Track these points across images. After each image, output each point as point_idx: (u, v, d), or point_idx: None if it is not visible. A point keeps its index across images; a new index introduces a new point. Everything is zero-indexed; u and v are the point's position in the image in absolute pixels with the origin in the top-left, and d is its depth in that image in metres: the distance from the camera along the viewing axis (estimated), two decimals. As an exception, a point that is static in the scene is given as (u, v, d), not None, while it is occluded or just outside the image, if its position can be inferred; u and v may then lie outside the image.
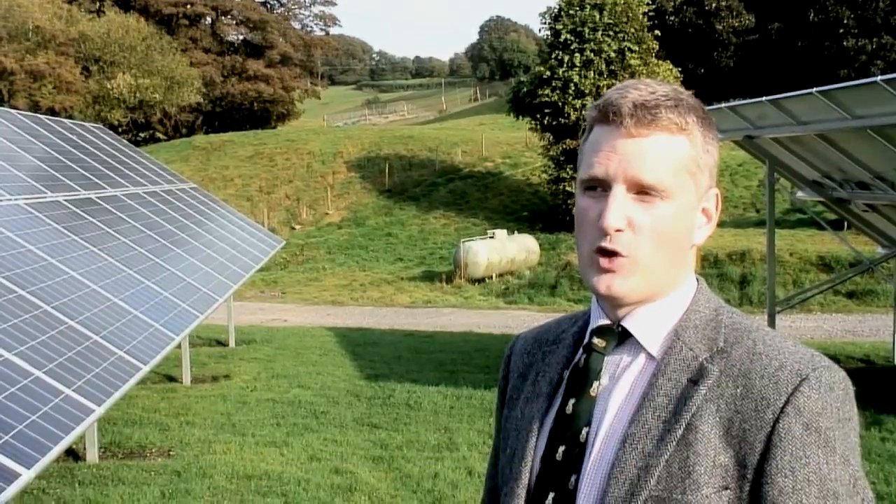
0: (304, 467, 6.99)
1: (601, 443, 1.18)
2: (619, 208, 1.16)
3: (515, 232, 23.78)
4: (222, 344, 12.83)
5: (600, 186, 1.19)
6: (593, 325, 1.26)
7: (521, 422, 1.29)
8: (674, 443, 1.13)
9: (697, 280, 1.27)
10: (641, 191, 1.17)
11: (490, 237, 22.24)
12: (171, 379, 10.24)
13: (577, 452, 1.20)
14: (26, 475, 3.54)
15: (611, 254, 1.17)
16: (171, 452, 7.38)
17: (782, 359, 1.15)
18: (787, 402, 1.11)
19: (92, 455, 7.12)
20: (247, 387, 10.02)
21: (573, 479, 1.19)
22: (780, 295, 13.93)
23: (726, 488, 1.11)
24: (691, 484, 1.11)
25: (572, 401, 1.22)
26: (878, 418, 8.25)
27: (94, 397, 4.67)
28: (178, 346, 8.89)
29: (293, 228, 29.53)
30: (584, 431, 1.20)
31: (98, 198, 9.31)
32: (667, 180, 1.17)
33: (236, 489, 6.43)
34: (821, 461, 1.10)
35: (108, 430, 7.91)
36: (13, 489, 3.42)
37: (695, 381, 1.16)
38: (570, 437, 1.21)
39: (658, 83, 1.22)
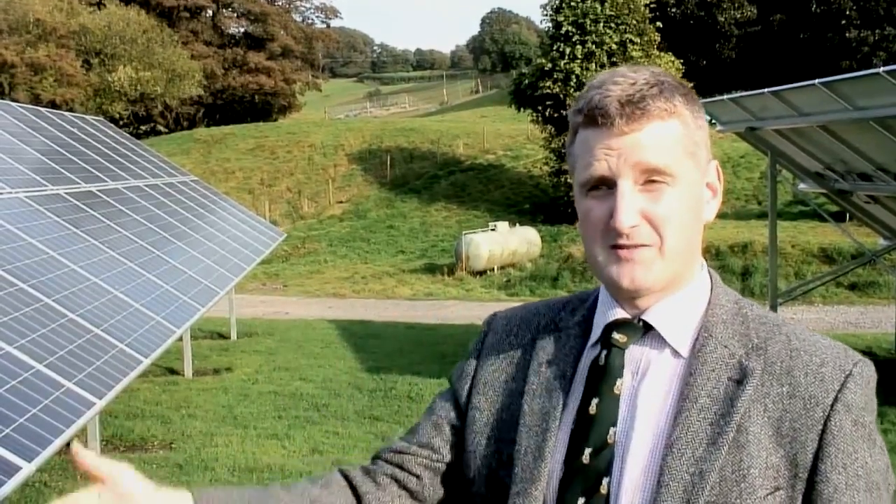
0: (306, 460, 7.00)
1: (636, 445, 1.14)
2: (630, 204, 1.12)
3: (517, 224, 23.76)
4: (224, 336, 12.83)
5: (604, 185, 1.14)
6: (609, 318, 1.20)
7: (530, 417, 1.21)
8: (726, 446, 1.10)
9: (710, 273, 1.24)
10: (648, 180, 1.13)
11: (491, 229, 22.21)
12: (173, 372, 10.25)
13: (607, 455, 1.14)
14: (27, 468, 3.54)
15: (630, 247, 1.13)
16: (172, 445, 7.40)
17: (822, 355, 1.15)
18: (835, 400, 1.12)
19: (93, 448, 7.13)
20: (248, 379, 10.03)
21: (605, 482, 1.13)
22: (782, 287, 13.91)
23: (778, 489, 1.10)
24: (746, 487, 1.09)
25: (595, 400, 1.17)
26: (881, 410, 8.20)
27: (96, 390, 4.67)
28: (180, 339, 8.89)
29: (296, 221, 29.53)
30: (611, 432, 1.15)
31: (99, 191, 9.30)
32: (671, 164, 1.14)
33: (238, 482, 6.44)
34: (866, 455, 1.12)
35: (110, 423, 7.92)
36: (14, 482, 3.42)
37: (738, 381, 1.13)
38: (596, 439, 1.15)
39: (633, 70, 1.17)
